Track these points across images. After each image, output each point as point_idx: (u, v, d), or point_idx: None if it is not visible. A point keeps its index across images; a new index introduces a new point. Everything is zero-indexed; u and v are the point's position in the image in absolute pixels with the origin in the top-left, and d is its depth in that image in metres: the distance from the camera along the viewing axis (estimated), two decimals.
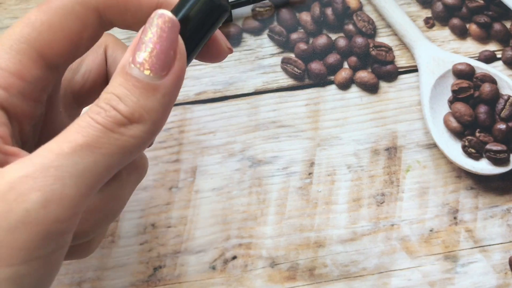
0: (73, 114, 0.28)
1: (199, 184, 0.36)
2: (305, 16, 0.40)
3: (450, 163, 0.37)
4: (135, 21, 0.24)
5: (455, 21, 0.40)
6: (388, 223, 0.36)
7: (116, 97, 0.22)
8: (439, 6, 0.40)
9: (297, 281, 0.35)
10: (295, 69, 0.39)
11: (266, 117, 0.38)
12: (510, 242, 0.35)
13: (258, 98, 0.38)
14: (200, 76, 0.39)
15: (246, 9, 0.40)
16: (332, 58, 0.39)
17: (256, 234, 0.35)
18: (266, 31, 0.39)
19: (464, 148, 0.36)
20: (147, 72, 0.22)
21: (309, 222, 0.36)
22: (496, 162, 0.36)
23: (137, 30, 0.24)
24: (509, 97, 0.37)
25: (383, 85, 0.39)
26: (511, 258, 0.35)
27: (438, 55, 0.38)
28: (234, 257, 0.35)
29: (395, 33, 0.40)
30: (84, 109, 0.29)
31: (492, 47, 0.39)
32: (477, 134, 0.37)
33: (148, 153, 0.37)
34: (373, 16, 0.40)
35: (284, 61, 0.39)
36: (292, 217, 0.36)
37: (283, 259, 0.35)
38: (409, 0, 0.40)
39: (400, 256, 0.35)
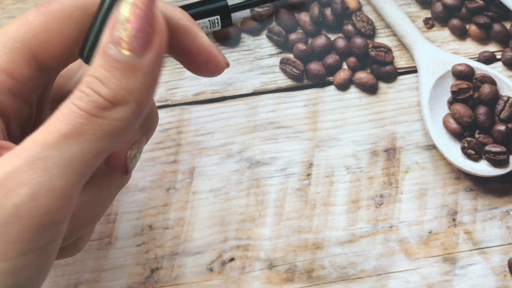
0: None
1: (197, 185, 0.36)
2: (304, 17, 0.40)
3: (449, 164, 0.37)
4: None
5: (455, 21, 0.40)
6: (387, 225, 0.36)
7: (98, 80, 0.22)
8: (438, 6, 0.40)
9: (295, 283, 0.35)
10: (294, 69, 0.39)
11: (264, 118, 0.38)
12: (510, 244, 0.36)
13: (257, 98, 0.38)
14: (198, 77, 0.38)
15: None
16: (331, 58, 0.39)
17: (254, 235, 0.35)
18: (265, 32, 0.40)
19: (463, 149, 0.36)
20: (126, 52, 0.21)
21: (307, 223, 0.36)
22: (495, 163, 0.36)
23: None
24: (508, 98, 0.37)
25: (382, 86, 0.39)
26: (510, 260, 0.35)
27: (438, 56, 0.38)
28: (232, 259, 0.35)
29: (394, 34, 0.40)
30: None
31: (491, 48, 0.39)
32: (477, 136, 0.37)
33: (145, 154, 0.37)
34: (372, 16, 0.40)
35: (283, 62, 0.39)
36: (290, 218, 0.36)
37: (281, 261, 0.35)
38: (409, 1, 0.40)
39: (399, 258, 0.35)
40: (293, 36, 0.39)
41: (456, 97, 0.37)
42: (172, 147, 0.37)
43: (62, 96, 0.27)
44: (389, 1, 0.40)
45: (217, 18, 0.38)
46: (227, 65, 0.27)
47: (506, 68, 0.39)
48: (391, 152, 0.37)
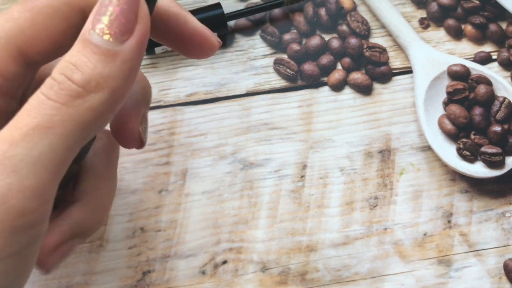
0: None
1: (190, 187, 0.36)
2: (298, 17, 0.40)
3: (444, 166, 0.37)
4: None
5: (450, 21, 0.40)
6: (381, 227, 0.36)
7: (72, 65, 0.21)
8: (434, 6, 0.40)
9: (289, 286, 0.35)
10: (288, 70, 0.39)
11: (258, 119, 0.38)
12: (505, 246, 0.36)
13: (250, 99, 0.38)
14: (191, 77, 0.39)
15: (238, 9, 0.40)
16: (325, 59, 0.39)
17: (247, 238, 0.35)
18: (259, 32, 0.39)
19: (458, 150, 0.36)
20: (106, 37, 0.21)
21: (301, 225, 0.36)
22: (491, 165, 0.36)
23: None
24: (504, 99, 0.37)
25: (377, 86, 0.39)
26: (506, 263, 0.35)
27: (433, 56, 0.38)
28: (225, 262, 0.35)
29: (389, 34, 0.40)
30: None
31: (487, 48, 0.39)
32: (472, 137, 0.37)
33: (137, 155, 0.37)
34: (367, 16, 0.40)
35: (277, 62, 0.39)
36: (284, 220, 0.36)
37: (275, 264, 0.35)
38: (404, 1, 0.40)
39: (393, 260, 0.35)
40: (287, 37, 0.39)
41: (451, 98, 0.37)
42: (165, 149, 0.37)
43: None
44: (384, 1, 0.39)
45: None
46: (220, 43, 0.27)
47: (502, 69, 0.39)
48: (385, 154, 0.37)
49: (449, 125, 0.37)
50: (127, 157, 0.37)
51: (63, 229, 0.26)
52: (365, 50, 0.39)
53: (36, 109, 0.20)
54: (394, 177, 0.37)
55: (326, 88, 0.39)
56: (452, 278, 0.35)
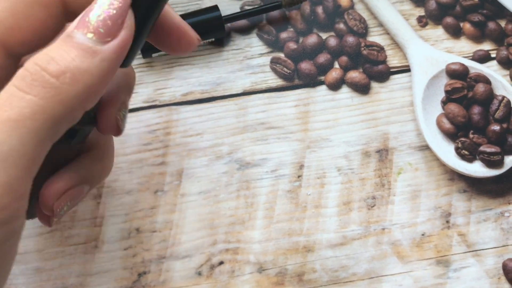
0: None
1: (185, 187, 0.36)
2: (295, 15, 0.40)
3: (442, 165, 0.37)
4: None
5: (449, 19, 0.39)
6: (379, 227, 0.36)
7: (49, 57, 0.20)
8: (432, 4, 0.40)
9: (286, 287, 0.35)
10: (285, 69, 0.38)
11: (254, 119, 0.38)
12: (504, 246, 0.35)
13: (247, 99, 0.38)
14: (187, 76, 0.38)
15: (235, 8, 0.40)
16: (322, 57, 0.39)
17: (243, 238, 0.35)
18: (255, 30, 0.39)
19: (457, 150, 0.36)
20: (90, 35, 0.21)
21: (298, 226, 0.36)
22: (489, 164, 0.36)
23: None
24: (503, 97, 0.37)
25: (374, 85, 0.39)
26: (505, 263, 0.35)
27: (431, 54, 0.38)
28: (221, 263, 0.35)
29: (387, 32, 0.40)
30: None
31: (486, 46, 0.39)
32: (471, 136, 0.37)
33: (132, 155, 0.37)
34: (365, 14, 0.40)
35: (273, 61, 0.39)
36: (281, 221, 0.36)
37: (271, 264, 0.35)
38: None
39: (391, 261, 0.35)
40: (284, 35, 0.39)
41: (450, 97, 0.37)
42: (160, 149, 0.37)
43: None
44: None
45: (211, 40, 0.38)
46: (199, 40, 0.26)
47: (501, 67, 0.39)
48: (383, 153, 0.37)
49: (447, 124, 0.37)
50: (122, 157, 0.37)
51: (71, 174, 0.26)
52: (362, 48, 0.39)
53: (7, 102, 0.20)
54: (392, 176, 0.37)
55: (323, 87, 0.38)
56: (451, 278, 0.35)
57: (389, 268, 0.35)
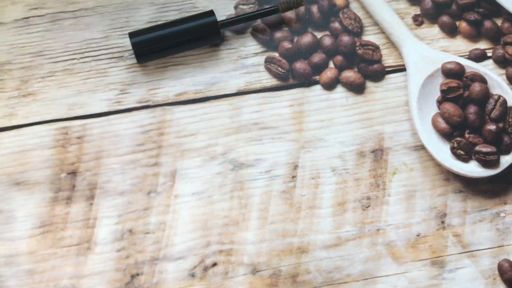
0: None
1: (179, 188, 0.36)
2: (289, 14, 0.39)
3: (438, 165, 0.37)
4: None
5: (445, 18, 0.39)
6: (374, 228, 0.36)
7: None
8: (428, 3, 0.40)
9: None
10: (279, 68, 0.38)
11: (248, 119, 0.38)
12: (500, 247, 0.36)
13: (241, 99, 0.38)
14: (180, 76, 0.38)
15: (229, 7, 0.40)
16: (317, 57, 0.39)
17: (237, 240, 0.35)
18: (249, 29, 0.39)
19: (452, 149, 0.36)
20: None
21: (292, 227, 0.36)
22: (485, 164, 0.36)
23: None
24: (499, 97, 0.37)
25: (369, 85, 0.38)
26: (500, 263, 0.35)
27: (427, 53, 0.38)
28: (214, 264, 0.35)
29: (382, 31, 0.39)
30: None
31: (482, 45, 0.39)
32: (466, 135, 0.37)
33: (125, 156, 0.37)
34: (360, 13, 0.40)
35: (268, 61, 0.39)
36: (275, 222, 0.36)
37: (265, 266, 0.35)
38: None
39: (386, 262, 0.35)
40: (278, 34, 0.39)
41: (445, 96, 0.37)
42: (153, 149, 0.37)
43: None
44: None
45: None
46: None
47: (497, 66, 0.39)
48: (378, 153, 0.37)
49: (443, 124, 0.37)
50: (115, 158, 0.37)
51: None
52: (357, 47, 0.39)
53: None
54: (387, 177, 0.37)
55: (318, 86, 0.38)
56: (446, 279, 0.35)
57: (384, 269, 0.35)
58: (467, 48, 0.39)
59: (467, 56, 0.39)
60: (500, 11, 0.40)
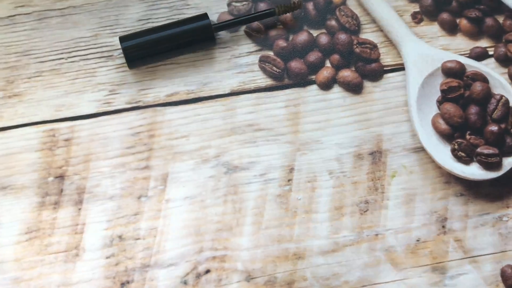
0: None
1: (171, 192, 0.36)
2: None
3: (438, 168, 0.37)
4: None
5: (445, 15, 0.39)
6: (372, 233, 0.36)
7: None
8: (427, 0, 0.39)
9: None
10: (274, 68, 0.38)
11: (242, 120, 0.37)
12: (502, 252, 0.35)
13: (234, 99, 0.38)
14: (171, 76, 0.38)
15: (222, 4, 0.39)
16: (313, 56, 0.38)
17: (231, 245, 0.35)
18: (243, 27, 0.39)
19: (453, 151, 0.36)
20: None
21: (288, 232, 0.35)
22: (487, 166, 0.36)
23: None
24: (501, 96, 0.37)
25: (367, 84, 0.38)
26: (503, 269, 0.35)
27: (426, 52, 0.38)
28: (208, 271, 0.35)
29: (380, 29, 0.39)
30: None
31: (483, 43, 0.39)
32: (468, 137, 0.36)
33: (115, 159, 0.36)
34: (357, 11, 0.39)
35: (262, 60, 0.38)
36: (270, 227, 0.36)
37: (260, 273, 0.35)
38: None
39: (385, 268, 0.35)
40: (273, 32, 0.39)
41: (445, 96, 0.37)
42: (144, 152, 0.37)
43: None
44: None
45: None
46: None
47: (499, 65, 0.39)
48: (376, 155, 0.37)
49: (443, 125, 0.37)
50: (103, 161, 0.36)
51: None
52: (355, 46, 0.38)
53: None
54: (385, 180, 0.36)
55: (314, 86, 0.38)
56: (447, 286, 0.35)
57: (383, 276, 0.35)
58: (467, 46, 0.39)
59: (467, 55, 0.39)
60: (501, 8, 0.39)
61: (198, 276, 0.35)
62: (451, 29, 0.39)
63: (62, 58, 0.38)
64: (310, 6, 0.39)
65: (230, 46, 0.39)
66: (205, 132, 0.37)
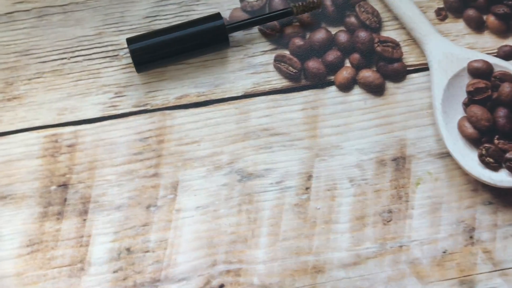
0: None
1: (181, 201, 0.36)
2: None
3: (465, 174, 0.36)
4: None
5: (471, 12, 0.39)
6: (396, 244, 0.35)
7: None
8: None
9: None
10: (290, 68, 0.38)
11: (257, 124, 0.37)
12: None
13: (248, 102, 0.37)
14: (181, 77, 0.38)
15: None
16: (332, 55, 0.38)
17: (246, 258, 0.35)
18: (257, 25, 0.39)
19: (481, 157, 0.36)
20: None
21: (307, 244, 0.35)
22: None
23: None
24: None
25: (389, 86, 0.38)
26: None
27: (451, 51, 0.38)
28: (222, 286, 0.34)
29: (403, 27, 0.39)
30: None
31: None
32: (496, 141, 0.36)
33: (121, 166, 0.36)
34: (378, 7, 0.39)
35: (278, 59, 0.38)
36: (287, 238, 0.35)
37: (277, 287, 0.35)
38: None
39: (410, 282, 0.35)
40: (289, 30, 0.38)
41: (472, 98, 0.37)
42: (152, 159, 0.36)
43: None
44: None
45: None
46: None
47: None
48: (400, 161, 0.37)
49: (470, 129, 0.36)
50: (110, 168, 0.36)
51: None
52: (376, 44, 0.38)
53: None
54: (409, 188, 0.36)
55: (333, 88, 0.38)
56: None
57: None
58: (495, 44, 0.39)
59: (495, 54, 0.38)
60: None
61: None
62: (478, 26, 0.39)
63: (65, 58, 0.37)
64: (328, 2, 0.39)
65: (243, 44, 0.38)
66: (217, 137, 0.37)
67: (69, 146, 0.36)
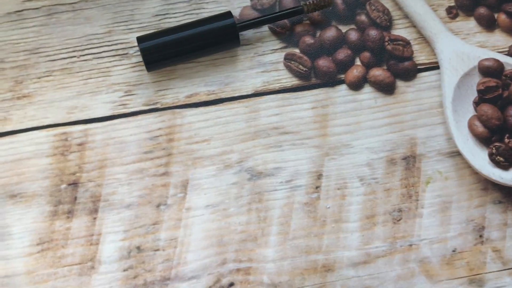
0: None
1: (191, 200, 0.36)
2: None
3: (475, 173, 0.37)
4: None
5: (482, 10, 0.39)
6: (406, 243, 0.35)
7: None
8: None
9: None
10: (300, 66, 0.38)
11: (267, 123, 0.37)
12: None
13: (258, 100, 0.37)
14: (191, 76, 0.38)
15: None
16: (342, 53, 0.38)
17: (256, 257, 0.35)
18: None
19: (491, 156, 0.36)
20: None
21: (317, 243, 0.35)
22: None
23: None
24: None
25: (400, 84, 0.38)
26: None
27: (462, 49, 0.38)
28: (231, 284, 0.35)
29: (413, 25, 0.39)
30: None
31: None
32: (506, 140, 0.36)
33: (131, 165, 0.36)
34: (389, 5, 0.39)
35: (288, 58, 0.38)
36: (297, 237, 0.35)
37: (287, 286, 0.35)
38: None
39: (419, 280, 0.35)
40: (299, 28, 0.38)
41: (483, 97, 0.37)
42: (162, 157, 0.36)
43: None
44: None
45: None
46: None
47: None
48: (410, 160, 0.37)
49: (480, 128, 0.36)
50: (120, 167, 0.36)
51: None
52: (386, 43, 0.38)
53: None
54: (419, 186, 0.36)
55: (344, 86, 0.38)
56: None
57: None
58: (506, 43, 0.39)
59: (506, 52, 0.38)
60: None
61: None
62: (489, 24, 0.39)
63: (74, 57, 0.37)
64: (338, 0, 0.39)
65: (253, 43, 0.38)
66: (227, 136, 0.37)
67: (79, 144, 0.36)
